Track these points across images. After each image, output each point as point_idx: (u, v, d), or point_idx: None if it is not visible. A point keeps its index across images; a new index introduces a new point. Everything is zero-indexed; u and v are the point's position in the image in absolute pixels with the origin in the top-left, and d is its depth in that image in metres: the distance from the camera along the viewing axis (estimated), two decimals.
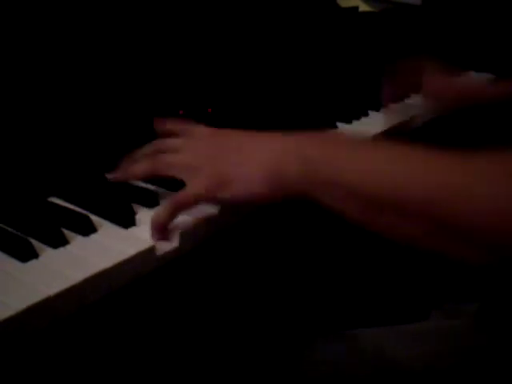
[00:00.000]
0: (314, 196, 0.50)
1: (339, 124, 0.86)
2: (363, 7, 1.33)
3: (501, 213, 0.39)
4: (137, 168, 0.58)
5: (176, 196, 0.54)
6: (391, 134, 0.89)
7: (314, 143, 0.52)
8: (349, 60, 1.17)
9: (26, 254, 0.48)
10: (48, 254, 0.49)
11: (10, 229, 0.52)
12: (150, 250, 0.52)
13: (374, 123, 0.90)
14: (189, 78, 0.85)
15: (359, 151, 0.50)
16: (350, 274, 1.10)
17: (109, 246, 0.51)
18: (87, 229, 0.52)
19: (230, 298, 0.84)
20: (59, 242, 0.50)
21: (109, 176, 0.62)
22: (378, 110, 0.96)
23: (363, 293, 1.09)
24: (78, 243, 0.51)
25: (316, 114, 0.89)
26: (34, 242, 0.49)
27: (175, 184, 0.57)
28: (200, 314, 0.80)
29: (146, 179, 0.61)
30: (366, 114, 0.93)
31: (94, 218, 0.54)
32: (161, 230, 0.52)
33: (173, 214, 0.53)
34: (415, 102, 1.04)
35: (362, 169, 0.48)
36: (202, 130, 0.60)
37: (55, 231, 0.50)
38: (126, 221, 0.54)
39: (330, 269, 1.06)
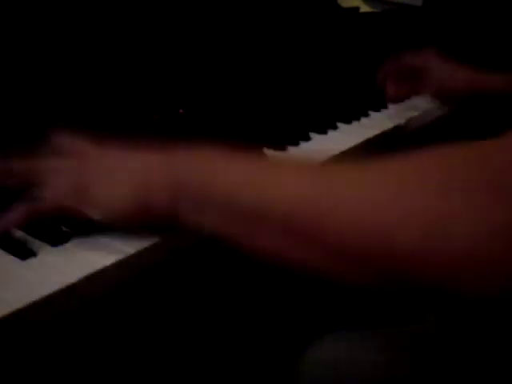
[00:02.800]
0: (181, 218, 0.47)
1: (339, 124, 0.86)
2: (364, 8, 1.33)
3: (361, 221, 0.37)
4: (9, 171, 0.53)
5: (31, 203, 0.49)
6: (390, 137, 0.89)
7: (180, 161, 0.48)
8: (349, 60, 1.17)
9: (25, 252, 0.48)
10: (47, 252, 0.49)
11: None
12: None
13: (372, 124, 0.90)
14: (189, 77, 0.85)
15: (231, 164, 0.47)
16: None
17: (109, 245, 0.51)
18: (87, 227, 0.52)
19: (230, 298, 0.84)
20: (59, 239, 0.50)
21: None
22: (378, 110, 0.96)
23: (363, 294, 1.09)
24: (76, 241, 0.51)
25: (315, 113, 0.89)
26: (32, 239, 0.49)
27: None
28: (200, 315, 0.80)
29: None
30: (367, 115, 0.93)
31: None
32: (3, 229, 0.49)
33: (24, 221, 0.50)
34: (416, 103, 1.05)
35: (225, 184, 0.45)
36: (84, 148, 0.53)
37: (55, 229, 0.50)
38: None
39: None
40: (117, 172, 0.50)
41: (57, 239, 0.50)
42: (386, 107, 0.99)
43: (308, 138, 0.79)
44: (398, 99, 1.00)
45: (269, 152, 0.72)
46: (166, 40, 0.81)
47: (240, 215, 0.44)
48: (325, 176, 0.43)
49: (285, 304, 0.94)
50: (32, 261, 0.47)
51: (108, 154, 0.52)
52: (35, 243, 0.49)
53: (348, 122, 0.88)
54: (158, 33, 0.80)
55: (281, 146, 0.74)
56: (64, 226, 0.52)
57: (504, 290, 0.34)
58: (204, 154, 0.48)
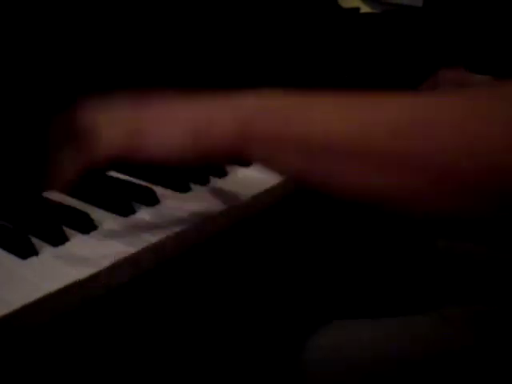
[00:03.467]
0: (249, 154, 0.44)
1: None
2: (364, 9, 1.34)
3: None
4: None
5: (85, 154, 0.48)
6: None
7: (249, 100, 0.45)
8: (349, 60, 1.17)
9: (25, 251, 0.48)
10: (48, 251, 0.49)
11: (10, 225, 0.52)
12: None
13: None
14: (188, 77, 0.85)
15: (305, 100, 0.44)
16: (352, 264, 1.10)
17: (109, 245, 0.51)
18: (88, 227, 0.52)
19: (229, 287, 0.84)
20: (59, 239, 0.50)
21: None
22: None
23: (365, 284, 1.10)
24: (77, 241, 0.51)
25: None
26: (33, 239, 0.49)
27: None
28: (200, 305, 0.80)
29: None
30: None
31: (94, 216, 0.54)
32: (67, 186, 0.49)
33: (81, 172, 0.48)
34: None
35: (311, 117, 0.42)
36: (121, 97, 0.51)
37: (55, 229, 0.50)
38: (126, 212, 0.54)
39: (332, 259, 1.06)
40: (177, 111, 0.47)
41: (57, 239, 0.50)
42: None
43: None
44: None
45: None
46: (162, 40, 0.81)
47: (326, 152, 0.41)
48: (406, 99, 0.40)
49: (286, 293, 0.94)
50: (33, 260, 0.47)
51: (166, 96, 0.49)
52: (36, 243, 0.49)
53: None
54: (154, 35, 0.80)
55: None
56: (65, 225, 0.52)
57: None
58: (267, 93, 0.45)
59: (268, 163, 0.45)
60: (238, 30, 0.94)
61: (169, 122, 0.46)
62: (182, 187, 0.61)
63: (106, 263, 0.48)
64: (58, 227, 0.51)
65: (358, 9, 1.23)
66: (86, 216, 0.53)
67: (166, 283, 0.67)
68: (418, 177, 0.37)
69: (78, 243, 0.51)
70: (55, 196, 0.59)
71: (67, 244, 0.50)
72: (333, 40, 1.15)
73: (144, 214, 0.56)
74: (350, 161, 0.40)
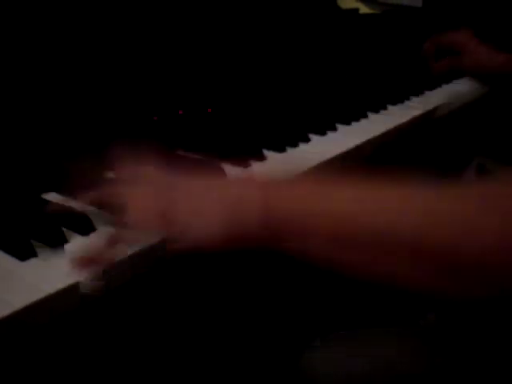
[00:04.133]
0: (279, 245, 0.46)
1: (338, 125, 0.86)
2: (364, 9, 1.34)
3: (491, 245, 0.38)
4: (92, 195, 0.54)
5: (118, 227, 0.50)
6: (390, 137, 0.89)
7: (275, 189, 0.48)
8: (349, 61, 1.17)
9: (25, 253, 0.48)
10: (47, 253, 0.49)
11: (9, 227, 0.52)
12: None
13: (370, 126, 0.90)
14: (188, 79, 0.85)
15: (327, 192, 0.46)
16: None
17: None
18: (87, 227, 0.53)
19: (230, 299, 0.84)
20: (58, 241, 0.50)
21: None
22: (377, 111, 0.96)
23: (363, 294, 1.10)
24: (77, 242, 0.51)
25: (314, 115, 0.89)
26: (33, 241, 0.50)
27: None
28: (200, 315, 0.80)
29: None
30: (366, 116, 0.93)
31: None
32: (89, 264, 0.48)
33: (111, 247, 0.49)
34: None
35: (336, 210, 0.44)
36: (151, 173, 0.53)
37: (55, 230, 0.51)
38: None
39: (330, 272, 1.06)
40: (206, 199, 0.48)
41: (57, 241, 0.50)
42: (385, 108, 0.99)
43: (307, 140, 0.79)
44: (440, 72, 1.05)
45: (268, 154, 0.73)
46: (164, 40, 0.82)
47: (353, 243, 0.43)
48: (439, 200, 0.43)
49: (286, 305, 0.94)
50: (32, 261, 0.48)
51: (196, 181, 0.51)
52: (35, 244, 0.49)
53: (347, 123, 0.88)
54: (157, 33, 0.81)
55: (280, 148, 0.74)
56: (64, 226, 0.52)
57: None
58: (296, 182, 0.49)
59: (300, 256, 0.46)
60: (238, 31, 0.94)
61: (199, 213, 0.48)
62: None
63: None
64: (57, 229, 0.51)
65: (357, 10, 1.23)
66: (85, 218, 0.53)
67: (166, 284, 0.68)
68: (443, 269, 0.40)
69: (77, 245, 0.51)
70: (54, 198, 0.59)
71: (66, 245, 0.50)
72: (332, 41, 1.15)
73: None
74: (378, 253, 0.42)
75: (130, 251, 0.49)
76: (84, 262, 0.46)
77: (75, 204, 0.57)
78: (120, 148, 0.53)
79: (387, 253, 0.42)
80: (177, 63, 0.84)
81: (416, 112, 0.99)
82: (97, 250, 0.48)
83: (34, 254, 0.48)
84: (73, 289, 0.46)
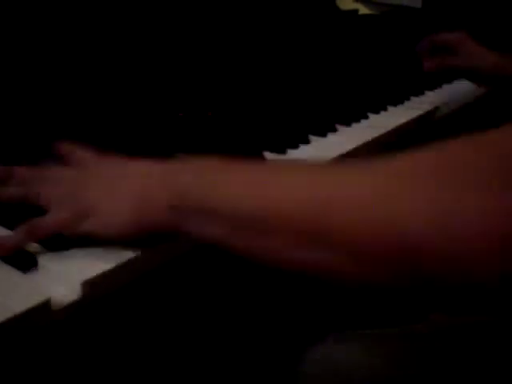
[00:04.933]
0: (182, 228, 0.47)
1: (338, 126, 0.86)
2: (363, 10, 1.34)
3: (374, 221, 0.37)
4: (9, 191, 0.54)
5: (33, 224, 0.49)
6: (390, 138, 0.89)
7: (180, 173, 0.49)
8: (348, 62, 1.17)
9: (26, 264, 0.47)
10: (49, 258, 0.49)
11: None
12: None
13: (371, 126, 0.90)
14: (188, 81, 0.85)
15: (231, 174, 0.47)
16: None
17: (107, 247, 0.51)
18: None
19: (232, 297, 0.84)
20: (60, 245, 0.50)
21: None
22: (378, 112, 0.96)
23: (366, 294, 1.10)
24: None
25: (314, 116, 0.89)
26: (34, 244, 0.49)
27: None
28: (202, 315, 0.80)
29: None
30: (366, 117, 0.93)
31: None
32: (4, 253, 0.47)
33: (24, 242, 0.49)
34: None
35: (231, 192, 0.45)
36: (84, 159, 0.54)
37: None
38: None
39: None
40: (115, 187, 0.50)
41: (58, 245, 0.50)
42: (385, 109, 0.99)
43: (307, 141, 0.79)
44: (430, 69, 1.05)
45: (269, 156, 0.73)
46: (163, 42, 0.82)
47: (243, 226, 0.43)
48: (328, 176, 0.42)
49: (286, 305, 0.95)
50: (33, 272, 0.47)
51: (106, 165, 0.53)
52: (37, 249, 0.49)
53: (347, 124, 0.88)
54: (156, 35, 0.81)
55: (281, 150, 0.74)
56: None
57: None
58: (202, 164, 0.48)
59: (201, 238, 0.47)
60: (237, 33, 0.94)
61: (106, 200, 0.49)
62: None
63: (107, 267, 0.48)
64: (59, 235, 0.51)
65: (356, 11, 1.23)
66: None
67: (165, 287, 0.68)
68: (340, 252, 0.39)
69: (79, 249, 0.51)
70: None
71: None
72: (331, 42, 1.15)
73: None
74: (271, 237, 0.42)
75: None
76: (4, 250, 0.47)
77: None
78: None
79: (271, 237, 0.42)
80: (176, 65, 0.84)
81: (416, 112, 0.99)
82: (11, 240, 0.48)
83: (36, 264, 0.48)
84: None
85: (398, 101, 1.03)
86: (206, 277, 0.78)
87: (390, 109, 1.00)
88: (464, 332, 0.69)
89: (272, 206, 0.42)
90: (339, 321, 0.90)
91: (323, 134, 0.82)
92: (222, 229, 0.45)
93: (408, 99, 1.07)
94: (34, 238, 0.49)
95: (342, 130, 0.86)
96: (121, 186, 0.50)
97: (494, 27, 1.63)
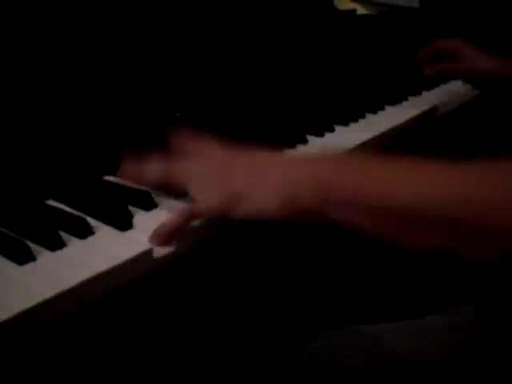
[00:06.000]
0: (329, 216, 0.50)
1: (336, 127, 0.86)
2: (361, 10, 1.34)
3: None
4: (150, 171, 0.58)
5: (188, 207, 0.54)
6: (388, 137, 0.89)
7: (325, 164, 0.52)
8: (347, 62, 1.17)
9: (23, 257, 0.48)
10: (45, 257, 0.49)
11: (7, 231, 0.52)
12: (147, 253, 0.52)
13: (369, 126, 0.90)
14: (187, 80, 0.85)
15: (371, 168, 0.50)
16: (352, 271, 1.11)
17: (106, 249, 0.51)
18: (84, 231, 0.53)
19: (232, 293, 0.85)
20: (56, 244, 0.50)
21: (116, 178, 0.63)
22: (375, 112, 0.96)
23: (365, 290, 1.10)
24: (75, 246, 0.51)
25: (313, 115, 0.89)
26: (31, 244, 0.50)
27: None
28: (202, 307, 0.80)
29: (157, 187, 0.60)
30: (364, 117, 0.93)
31: (91, 221, 0.55)
32: (166, 238, 0.53)
33: (183, 224, 0.53)
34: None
35: (377, 184, 0.48)
36: (213, 148, 0.59)
37: (52, 234, 0.51)
38: (123, 224, 0.54)
39: (332, 266, 1.07)
40: (266, 175, 0.53)
41: (55, 244, 0.50)
42: (383, 108, 0.99)
43: (305, 141, 0.79)
44: (430, 76, 1.07)
45: None
46: (161, 42, 0.82)
47: (396, 213, 0.46)
48: (464, 174, 0.46)
49: (287, 300, 0.95)
50: (30, 265, 0.48)
51: (253, 157, 0.56)
52: (34, 248, 0.49)
53: (345, 123, 0.88)
54: (154, 36, 0.81)
55: (278, 149, 0.75)
56: (62, 230, 0.52)
57: None
58: (344, 157, 0.55)
59: (347, 225, 0.50)
60: (235, 32, 0.95)
61: (259, 187, 0.53)
62: None
63: (102, 268, 0.48)
64: (55, 232, 0.51)
65: (354, 11, 1.24)
66: (83, 221, 0.53)
67: (165, 286, 0.68)
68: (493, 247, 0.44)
69: (75, 248, 0.51)
70: (53, 202, 0.59)
71: (64, 249, 0.51)
72: (329, 42, 1.15)
73: (141, 218, 0.56)
74: (420, 229, 0.46)
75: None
76: (162, 234, 0.52)
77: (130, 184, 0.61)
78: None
79: (425, 225, 0.45)
80: (175, 65, 0.85)
81: (413, 112, 0.99)
82: (171, 223, 0.53)
83: (33, 258, 0.48)
84: (70, 293, 0.46)
85: (395, 100, 1.04)
86: (208, 273, 0.78)
87: (388, 108, 1.00)
88: (462, 326, 0.70)
89: (426, 201, 0.45)
90: (340, 316, 0.90)
91: (321, 134, 0.82)
92: (369, 218, 0.48)
93: (406, 99, 1.07)
94: (194, 216, 0.54)
95: (340, 130, 0.86)
96: (270, 173, 0.53)
97: (492, 27, 1.64)
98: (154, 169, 0.58)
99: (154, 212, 0.58)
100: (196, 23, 0.87)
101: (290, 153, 0.75)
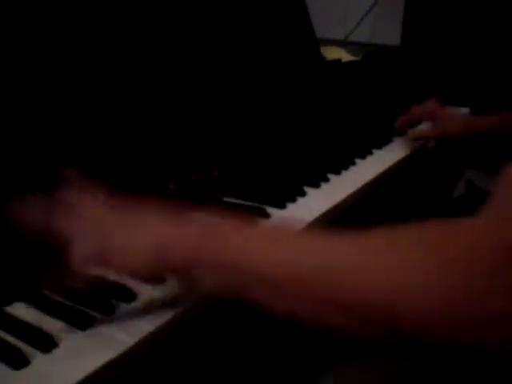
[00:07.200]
0: (197, 274, 0.53)
1: (330, 175, 0.96)
2: (346, 56, 1.45)
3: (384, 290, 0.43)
4: (32, 219, 0.58)
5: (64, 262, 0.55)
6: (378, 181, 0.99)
7: (197, 227, 0.54)
8: (335, 112, 1.25)
9: (18, 361, 0.52)
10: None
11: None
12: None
13: (362, 172, 1.00)
14: (196, 145, 0.92)
15: (249, 236, 0.53)
16: None
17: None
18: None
19: (243, 322, 0.85)
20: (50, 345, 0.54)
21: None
22: (364, 157, 1.07)
23: None
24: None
25: (308, 168, 0.98)
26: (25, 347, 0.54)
27: None
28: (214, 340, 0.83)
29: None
30: (354, 163, 1.03)
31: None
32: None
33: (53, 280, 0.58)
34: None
35: (242, 252, 0.51)
36: (95, 199, 0.60)
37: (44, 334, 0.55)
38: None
39: None
40: (136, 238, 0.55)
41: (47, 345, 0.55)
42: (371, 153, 1.09)
43: (303, 194, 0.89)
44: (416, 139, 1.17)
45: (271, 211, 0.82)
46: (174, 111, 0.90)
47: (256, 283, 0.49)
48: (334, 247, 0.48)
49: (298, 332, 0.94)
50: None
51: (128, 215, 0.57)
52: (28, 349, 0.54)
53: (337, 172, 0.98)
54: (165, 106, 0.88)
55: (281, 204, 0.83)
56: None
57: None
58: (216, 222, 0.55)
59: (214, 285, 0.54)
60: (228, 78, 1.01)
61: (136, 238, 0.55)
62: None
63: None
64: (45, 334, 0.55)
65: (339, 60, 1.34)
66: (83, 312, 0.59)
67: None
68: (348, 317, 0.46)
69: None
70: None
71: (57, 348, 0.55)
72: (319, 95, 1.23)
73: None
74: (277, 294, 0.48)
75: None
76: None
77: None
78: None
79: (283, 294, 0.48)
80: (185, 132, 0.92)
81: (401, 154, 1.10)
82: None
83: (28, 362, 0.53)
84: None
85: (382, 143, 1.14)
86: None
87: (376, 152, 1.10)
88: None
89: (283, 272, 0.48)
90: (353, 348, 0.94)
91: (317, 185, 0.92)
92: (240, 284, 0.50)
93: (391, 140, 1.17)
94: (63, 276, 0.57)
95: (334, 179, 0.95)
96: (142, 238, 0.55)
97: (473, 61, 1.73)
98: (35, 218, 0.58)
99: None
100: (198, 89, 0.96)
101: (292, 207, 0.84)
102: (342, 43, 1.72)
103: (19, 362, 0.53)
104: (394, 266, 0.44)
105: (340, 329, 0.46)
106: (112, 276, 0.62)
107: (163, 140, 0.87)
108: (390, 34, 1.81)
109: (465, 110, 1.43)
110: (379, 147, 1.13)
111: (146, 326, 0.57)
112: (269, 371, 0.89)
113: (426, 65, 1.65)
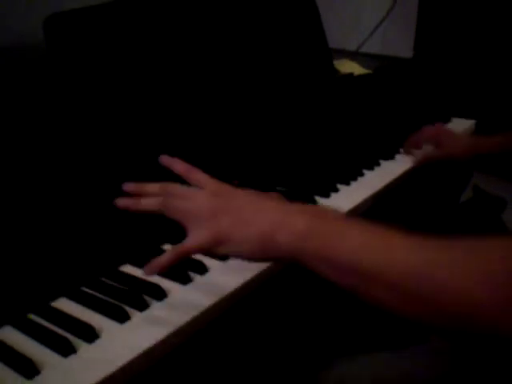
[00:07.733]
0: (304, 264, 0.57)
1: (339, 186, 1.02)
2: (358, 69, 1.51)
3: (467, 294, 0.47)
4: (147, 202, 0.65)
5: (180, 246, 0.61)
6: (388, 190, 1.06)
7: (305, 218, 0.58)
8: (344, 124, 1.30)
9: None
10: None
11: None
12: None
13: (369, 182, 1.07)
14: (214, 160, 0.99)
15: (345, 229, 0.57)
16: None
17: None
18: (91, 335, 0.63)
19: (245, 320, 0.86)
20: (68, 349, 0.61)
21: (118, 201, 0.67)
22: (372, 168, 1.13)
23: (372, 320, 1.17)
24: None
25: (319, 177, 1.04)
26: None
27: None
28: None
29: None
30: (362, 174, 1.09)
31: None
32: (159, 271, 0.62)
33: (174, 261, 0.62)
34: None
35: (347, 246, 0.55)
36: (209, 182, 0.64)
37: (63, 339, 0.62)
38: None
39: (341, 299, 1.14)
40: (249, 219, 0.59)
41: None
42: (378, 164, 1.15)
43: (314, 202, 0.95)
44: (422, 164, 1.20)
45: None
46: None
47: (358, 273, 0.53)
48: (430, 251, 0.52)
49: (300, 328, 0.99)
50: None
51: (243, 197, 0.63)
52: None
53: (347, 183, 1.04)
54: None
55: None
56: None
57: None
58: (321, 215, 0.60)
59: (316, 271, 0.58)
60: (241, 94, 1.06)
61: (243, 228, 0.59)
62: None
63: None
64: (64, 338, 0.62)
65: (351, 74, 1.40)
66: (89, 326, 0.64)
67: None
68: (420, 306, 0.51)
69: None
70: (63, 306, 0.69)
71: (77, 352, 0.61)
72: (331, 103, 1.30)
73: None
74: (372, 285, 0.53)
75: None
76: (158, 270, 0.63)
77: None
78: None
79: (379, 285, 0.52)
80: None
81: (407, 165, 1.15)
82: (163, 259, 0.62)
83: (38, 372, 0.58)
84: None
85: (388, 155, 1.19)
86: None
87: (383, 163, 1.15)
88: (464, 351, 0.77)
89: (388, 265, 0.52)
90: (351, 345, 0.94)
91: (327, 195, 1.00)
92: (338, 271, 0.55)
93: (398, 151, 1.22)
94: (182, 258, 0.62)
95: (343, 189, 1.02)
96: (253, 221, 0.59)
97: (484, 73, 1.75)
98: (151, 201, 0.65)
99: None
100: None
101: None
102: (355, 54, 1.76)
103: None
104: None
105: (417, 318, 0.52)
106: (143, 276, 0.69)
107: (180, 150, 0.95)
108: (402, 46, 1.85)
109: (470, 122, 1.47)
110: (386, 158, 1.19)
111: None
112: (270, 367, 0.91)
113: (437, 77, 1.68)
